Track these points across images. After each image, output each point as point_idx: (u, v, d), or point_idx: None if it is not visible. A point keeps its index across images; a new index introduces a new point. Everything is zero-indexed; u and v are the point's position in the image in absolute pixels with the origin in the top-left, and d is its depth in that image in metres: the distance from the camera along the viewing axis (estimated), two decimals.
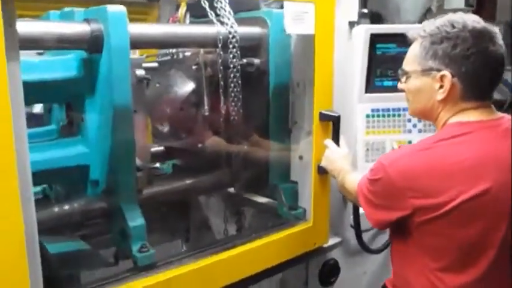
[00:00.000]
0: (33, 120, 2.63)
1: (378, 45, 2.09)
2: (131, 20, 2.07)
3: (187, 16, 2.22)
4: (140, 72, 1.74)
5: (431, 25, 1.45)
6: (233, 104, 2.06)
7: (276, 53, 2.09)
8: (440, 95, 1.43)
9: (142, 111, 1.86)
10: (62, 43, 1.62)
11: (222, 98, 2.05)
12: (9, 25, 1.25)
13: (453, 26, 1.40)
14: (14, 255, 1.25)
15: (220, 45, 1.98)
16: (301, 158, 2.13)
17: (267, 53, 2.10)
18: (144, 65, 1.84)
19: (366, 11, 2.14)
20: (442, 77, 1.41)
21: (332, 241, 2.22)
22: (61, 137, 1.90)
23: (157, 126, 2.29)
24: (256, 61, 2.11)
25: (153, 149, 2.08)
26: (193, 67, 2.09)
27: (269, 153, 2.20)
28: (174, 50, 2.27)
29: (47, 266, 1.53)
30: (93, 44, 1.62)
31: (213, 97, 2.08)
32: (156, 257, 1.71)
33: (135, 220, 1.68)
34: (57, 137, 1.90)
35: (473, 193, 1.34)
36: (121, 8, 1.62)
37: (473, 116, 1.44)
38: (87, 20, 1.62)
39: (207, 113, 2.07)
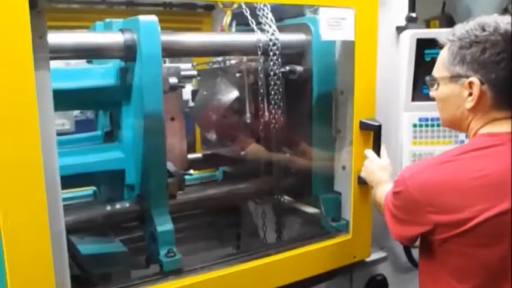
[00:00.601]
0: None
1: (427, 51, 1.97)
2: (186, 29, 2.11)
3: (233, 24, 2.23)
4: (173, 80, 1.77)
5: (461, 29, 1.34)
6: (274, 111, 2.05)
7: (319, 60, 2.05)
8: (469, 103, 1.31)
9: (179, 118, 1.91)
10: (99, 52, 1.71)
11: (263, 105, 2.05)
12: (39, 37, 1.33)
13: (483, 29, 1.29)
14: (39, 255, 1.29)
15: (260, 53, 1.98)
16: (344, 168, 2.06)
17: (311, 60, 2.07)
18: (183, 73, 1.88)
19: (414, 15, 2.03)
20: (470, 84, 1.29)
21: (376, 255, 2.12)
22: (105, 142, 1.98)
23: (205, 133, 2.33)
24: (299, 68, 2.08)
25: (190, 156, 2.11)
26: (237, 75, 2.10)
27: (311, 162, 2.16)
28: (220, 58, 2.30)
29: (77, 266, 1.61)
30: (127, 53, 1.68)
31: (255, 104, 2.08)
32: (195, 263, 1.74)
33: (164, 225, 1.71)
34: (101, 142, 1.99)
35: (497, 211, 1.21)
36: (153, 18, 1.66)
37: (505, 126, 1.31)
38: (122, 30, 1.68)
39: (248, 120, 2.07)
